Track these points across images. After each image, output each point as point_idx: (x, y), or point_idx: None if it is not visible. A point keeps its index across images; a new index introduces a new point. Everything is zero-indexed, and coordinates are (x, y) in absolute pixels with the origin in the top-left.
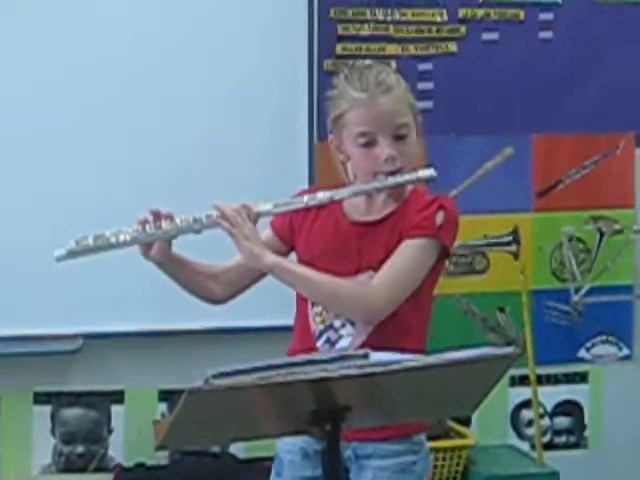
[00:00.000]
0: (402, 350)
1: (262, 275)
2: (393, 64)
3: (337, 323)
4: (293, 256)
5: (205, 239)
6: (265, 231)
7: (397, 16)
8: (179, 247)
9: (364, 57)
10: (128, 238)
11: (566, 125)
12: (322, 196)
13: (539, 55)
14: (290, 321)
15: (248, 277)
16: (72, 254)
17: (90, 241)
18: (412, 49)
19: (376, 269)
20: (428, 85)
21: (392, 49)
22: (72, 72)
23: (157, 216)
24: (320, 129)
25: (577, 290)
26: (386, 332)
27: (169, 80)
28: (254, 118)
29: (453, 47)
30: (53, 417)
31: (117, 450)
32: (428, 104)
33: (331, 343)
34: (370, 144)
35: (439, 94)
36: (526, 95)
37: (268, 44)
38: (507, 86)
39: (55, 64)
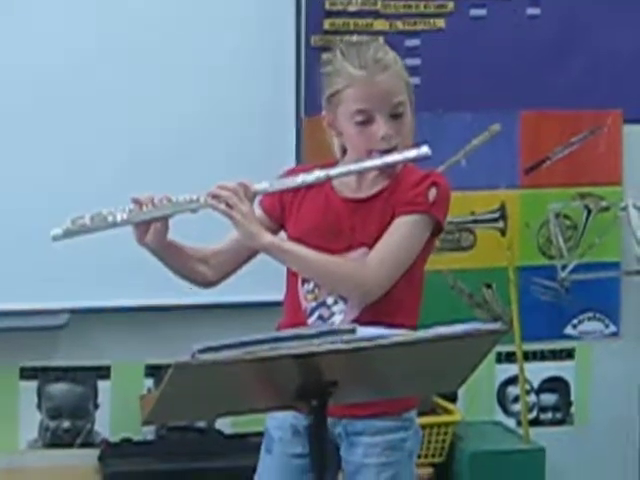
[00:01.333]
0: (394, 326)
1: (252, 255)
2: (381, 40)
3: (330, 300)
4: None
5: (198, 218)
6: (255, 210)
7: None
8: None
9: (352, 33)
10: (125, 217)
11: (553, 102)
12: (318, 174)
13: (527, 31)
14: (279, 296)
15: (239, 258)
16: (69, 233)
17: (87, 220)
18: (400, 25)
19: (370, 246)
20: (415, 61)
21: (380, 25)
22: (68, 59)
23: (152, 200)
24: (308, 105)
25: (564, 267)
26: (378, 308)
27: (153, 59)
28: (241, 95)
29: (441, 23)
30: (39, 392)
31: (103, 425)
32: (415, 80)
33: (323, 320)
34: (367, 122)
35: (426, 70)
36: (514, 71)
37: (255, 20)
38: (495, 62)
39: (53, 46)
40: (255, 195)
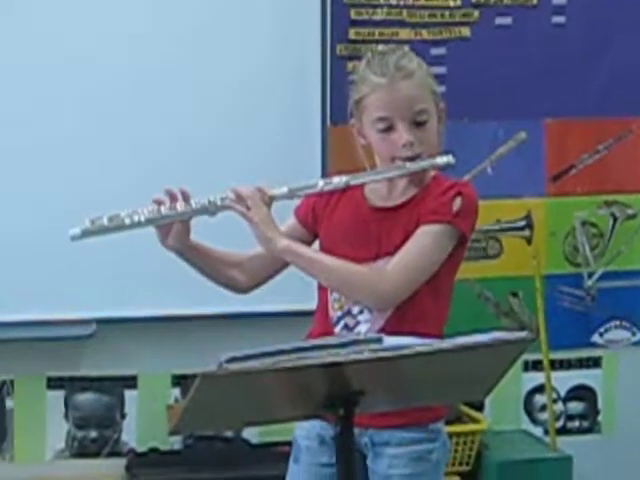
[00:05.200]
0: (419, 335)
1: (287, 264)
2: (407, 48)
3: (355, 309)
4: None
5: (223, 225)
6: (290, 219)
7: (410, 0)
8: (196, 233)
9: (377, 42)
10: (142, 219)
11: (579, 109)
12: (338, 180)
13: (552, 40)
14: (307, 306)
15: (272, 265)
16: (87, 233)
17: (105, 221)
18: (425, 34)
19: (394, 255)
20: (441, 70)
21: (405, 34)
22: (86, 60)
23: (172, 196)
24: (333, 114)
25: (590, 275)
26: (404, 318)
27: (181, 68)
28: (267, 103)
29: (466, 32)
30: (66, 402)
31: (130, 435)
32: (441, 89)
33: (349, 329)
34: (389, 129)
35: (452, 79)
36: (539, 80)
37: (281, 29)
38: (520, 71)
39: (72, 47)
40: (272, 200)
